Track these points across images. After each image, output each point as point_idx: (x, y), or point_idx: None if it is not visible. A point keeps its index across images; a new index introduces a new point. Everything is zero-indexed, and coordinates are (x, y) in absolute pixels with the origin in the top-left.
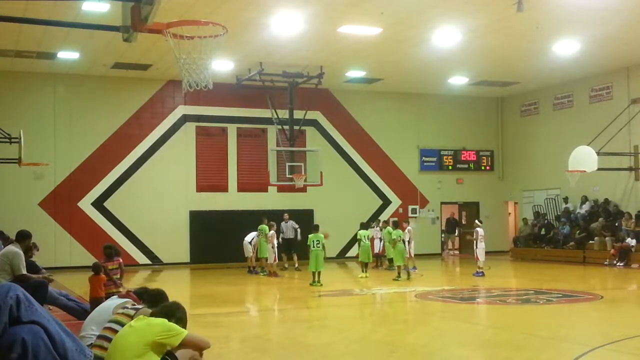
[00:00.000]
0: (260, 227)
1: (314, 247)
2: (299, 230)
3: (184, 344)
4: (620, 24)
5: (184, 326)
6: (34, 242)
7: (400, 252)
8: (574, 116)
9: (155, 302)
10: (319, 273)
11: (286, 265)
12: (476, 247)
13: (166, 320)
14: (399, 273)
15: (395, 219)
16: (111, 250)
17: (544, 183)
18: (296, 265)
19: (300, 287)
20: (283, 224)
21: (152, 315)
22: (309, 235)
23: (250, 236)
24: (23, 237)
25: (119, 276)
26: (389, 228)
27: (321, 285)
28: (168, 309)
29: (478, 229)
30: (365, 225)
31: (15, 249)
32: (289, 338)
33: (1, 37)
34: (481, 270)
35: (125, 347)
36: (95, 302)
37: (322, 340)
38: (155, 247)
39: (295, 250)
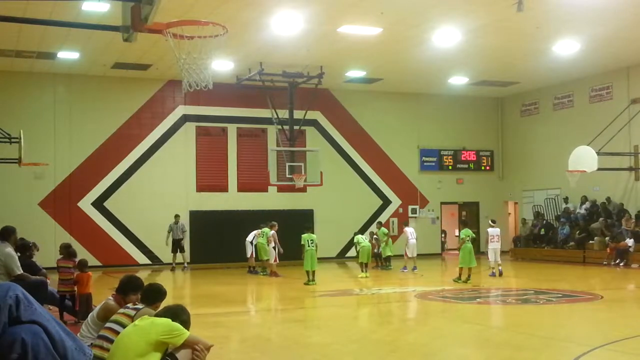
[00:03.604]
0: (262, 230)
1: (308, 246)
2: (186, 232)
3: (186, 345)
4: (620, 24)
5: (188, 329)
6: (34, 242)
7: (468, 252)
8: (574, 116)
9: (151, 297)
10: (314, 272)
11: (174, 265)
12: (487, 247)
13: (170, 320)
14: (460, 274)
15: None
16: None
17: (544, 183)
18: (185, 264)
19: (300, 287)
20: (173, 224)
21: (156, 316)
22: (303, 235)
23: (252, 235)
24: (8, 234)
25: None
26: (384, 229)
27: (315, 283)
28: (172, 311)
29: (488, 229)
30: (360, 232)
31: (6, 249)
32: (289, 338)
33: (1, 37)
34: (493, 270)
35: (128, 346)
36: (85, 298)
37: (322, 340)
38: (155, 247)
39: (181, 250)
